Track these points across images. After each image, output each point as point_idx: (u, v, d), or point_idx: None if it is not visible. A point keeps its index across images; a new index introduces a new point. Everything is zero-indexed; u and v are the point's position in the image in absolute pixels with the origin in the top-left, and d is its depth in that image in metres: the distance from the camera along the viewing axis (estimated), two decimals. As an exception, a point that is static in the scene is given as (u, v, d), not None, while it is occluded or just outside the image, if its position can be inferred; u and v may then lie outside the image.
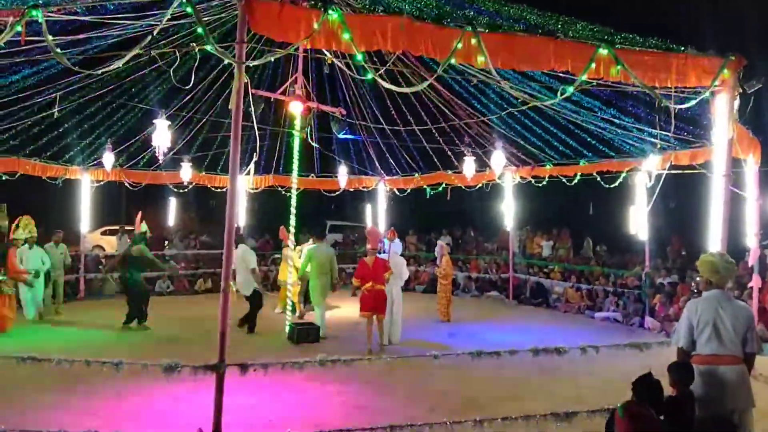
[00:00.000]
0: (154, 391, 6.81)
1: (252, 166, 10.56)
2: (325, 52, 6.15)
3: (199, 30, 4.61)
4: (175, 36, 8.02)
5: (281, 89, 10.24)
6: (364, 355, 8.52)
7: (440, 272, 12.50)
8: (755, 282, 8.73)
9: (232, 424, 5.04)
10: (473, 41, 5.08)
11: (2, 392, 6.78)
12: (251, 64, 5.16)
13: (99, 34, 7.31)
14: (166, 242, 19.16)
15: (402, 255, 11.17)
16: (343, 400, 6.92)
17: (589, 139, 11.60)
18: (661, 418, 4.28)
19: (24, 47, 6.78)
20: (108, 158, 13.09)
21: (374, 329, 9.52)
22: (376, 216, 17.76)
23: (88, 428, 4.88)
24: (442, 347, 9.38)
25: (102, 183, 15.06)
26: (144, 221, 11.67)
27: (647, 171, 11.30)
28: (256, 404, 6.58)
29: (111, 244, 21.67)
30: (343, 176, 16.17)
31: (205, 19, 7.05)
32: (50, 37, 4.23)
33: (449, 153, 14.34)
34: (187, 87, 6.01)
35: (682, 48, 5.77)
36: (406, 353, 6.87)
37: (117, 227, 22.73)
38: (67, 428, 4.87)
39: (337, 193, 17.28)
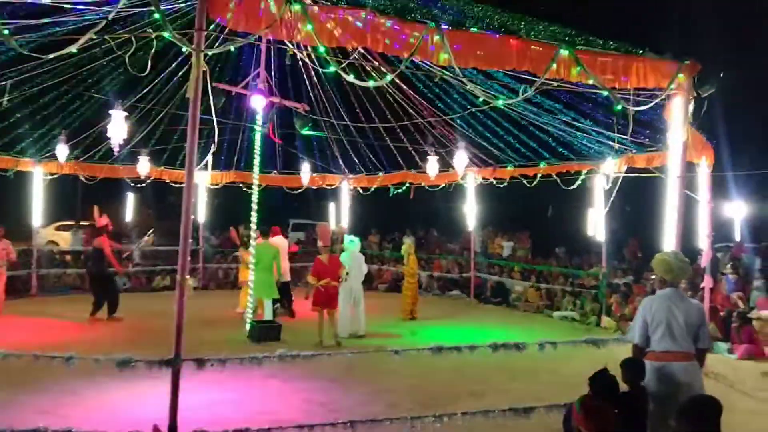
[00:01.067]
0: (111, 389, 6.66)
1: (210, 157, 10.37)
2: (287, 44, 6.08)
3: (156, 15, 4.50)
4: (135, 25, 7.79)
5: (243, 83, 10.10)
6: (316, 348, 8.70)
7: (407, 270, 12.58)
8: (707, 282, 9.00)
9: (191, 421, 4.93)
10: (436, 38, 5.09)
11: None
12: (210, 53, 5.06)
13: (57, 19, 7.07)
14: (123, 239, 18.70)
15: (361, 252, 11.29)
16: (303, 396, 6.87)
17: (549, 141, 11.78)
18: (616, 411, 4.35)
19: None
20: (62, 150, 12.67)
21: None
22: (340, 215, 17.67)
23: (38, 426, 4.71)
24: (404, 344, 9.41)
25: (56, 176, 14.59)
26: (103, 214, 11.52)
27: (605, 174, 11.56)
28: (215, 401, 6.48)
29: (65, 240, 21.04)
30: (306, 173, 16.04)
31: (165, 7, 6.89)
32: (-1, 19, 4.06)
33: (413, 152, 14.37)
34: (143, 74, 5.82)
35: (641, 51, 5.90)
36: (367, 349, 6.85)
37: (72, 222, 22.14)
38: (14, 426, 4.70)
39: (300, 190, 17.13)
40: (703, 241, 8.66)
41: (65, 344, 8.64)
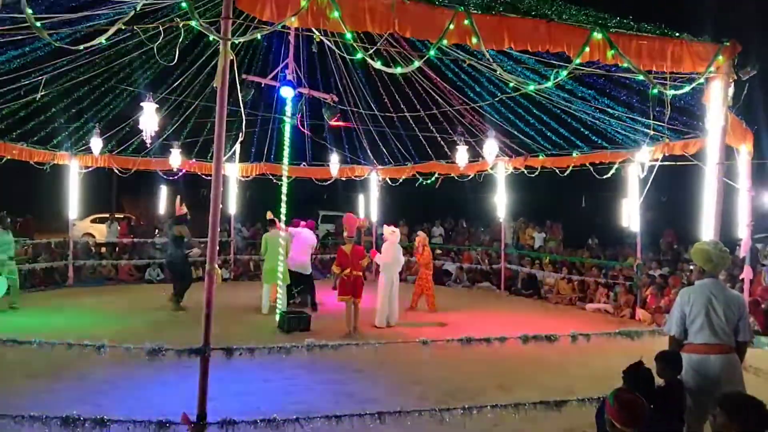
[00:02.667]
0: (142, 378, 6.80)
1: (237, 146, 10.48)
2: (314, 31, 6.03)
3: (183, 5, 4.49)
4: (164, 17, 7.86)
5: (272, 74, 10.12)
6: (344, 338, 9.03)
7: (422, 262, 12.48)
8: (746, 274, 8.70)
9: (220, 410, 4.96)
10: (465, 22, 4.98)
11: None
12: (237, 41, 5.03)
13: (89, 14, 7.16)
14: (157, 230, 19.03)
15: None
16: (332, 387, 6.87)
17: (582, 129, 11.54)
18: (652, 407, 4.22)
19: (9, 27, 6.67)
20: (96, 143, 12.89)
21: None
22: (369, 206, 17.65)
23: (71, 413, 4.79)
24: (433, 336, 9.37)
25: (91, 169, 14.86)
26: (183, 203, 12.11)
27: (640, 162, 11.26)
28: (244, 391, 6.53)
29: (101, 232, 21.49)
30: (334, 165, 16.04)
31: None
32: (29, 11, 4.10)
33: (442, 142, 14.25)
34: (172, 63, 5.85)
35: (677, 33, 5.70)
36: (396, 340, 6.81)
37: (107, 215, 22.59)
38: (51, 413, 4.78)
39: (329, 182, 17.15)
40: (742, 230, 8.37)
41: (99, 333, 8.83)
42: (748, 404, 3.22)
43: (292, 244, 11.42)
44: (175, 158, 14.26)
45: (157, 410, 5.37)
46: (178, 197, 12.26)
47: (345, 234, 10.52)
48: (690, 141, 9.98)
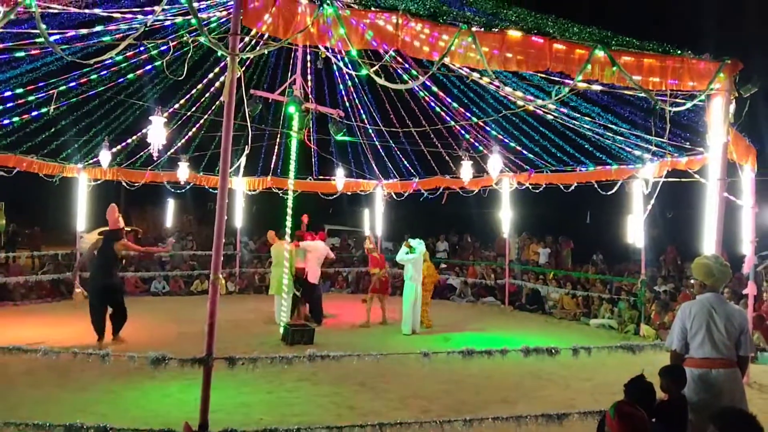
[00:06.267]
0: (145, 388, 6.83)
1: (243, 159, 10.55)
2: (320, 47, 6.14)
3: (193, 21, 4.60)
4: (174, 32, 8.00)
5: (279, 90, 10.25)
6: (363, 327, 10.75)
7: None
8: (750, 290, 8.69)
9: (222, 421, 5.00)
10: (468, 40, 5.06)
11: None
12: (244, 56, 5.14)
13: (102, 29, 7.30)
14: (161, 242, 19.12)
15: (391, 258, 12.22)
16: (334, 400, 6.87)
17: (586, 146, 11.58)
18: (653, 420, 4.23)
19: (23, 42, 6.82)
20: (105, 156, 13.03)
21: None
22: (374, 220, 17.70)
23: (75, 422, 4.83)
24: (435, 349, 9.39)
25: (99, 182, 14.98)
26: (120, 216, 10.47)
27: (644, 179, 11.28)
28: (246, 403, 6.55)
29: (108, 245, 21.57)
30: (340, 179, 16.13)
31: (204, 15, 7.05)
32: (43, 26, 4.21)
33: (447, 157, 14.33)
34: (181, 77, 5.97)
35: (679, 51, 5.76)
36: (397, 352, 6.83)
37: (114, 228, 22.70)
38: (54, 422, 4.83)
39: (335, 196, 17.22)
40: (746, 247, 8.39)
41: (104, 344, 8.90)
42: (740, 420, 3.23)
43: (309, 256, 11.54)
44: (183, 171, 14.39)
45: (160, 420, 5.42)
46: (111, 205, 10.50)
47: (371, 246, 12.90)
48: (694, 158, 10.01)
